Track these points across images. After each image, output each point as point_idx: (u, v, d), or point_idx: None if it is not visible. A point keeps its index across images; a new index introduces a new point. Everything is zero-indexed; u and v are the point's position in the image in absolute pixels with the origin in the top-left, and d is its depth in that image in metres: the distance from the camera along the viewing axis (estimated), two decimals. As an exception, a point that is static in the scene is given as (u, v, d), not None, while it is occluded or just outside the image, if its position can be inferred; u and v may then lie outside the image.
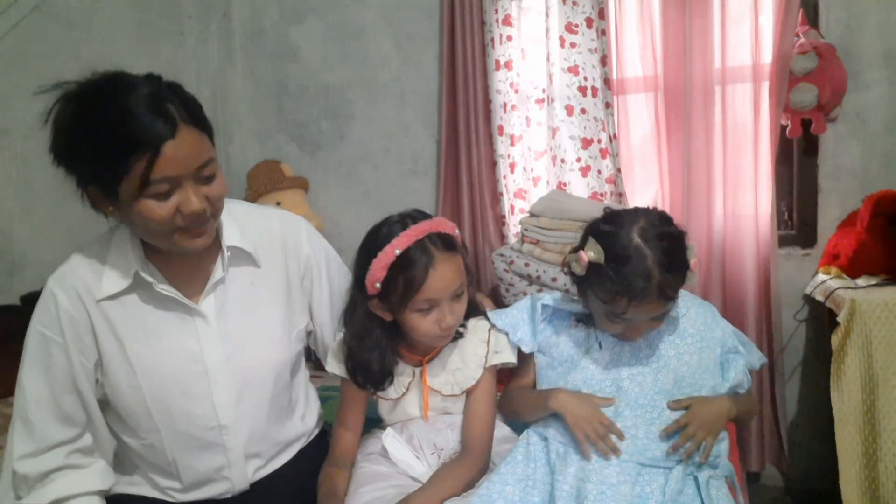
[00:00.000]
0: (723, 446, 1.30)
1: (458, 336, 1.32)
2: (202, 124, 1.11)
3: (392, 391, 1.33)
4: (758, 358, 1.41)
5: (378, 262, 1.19)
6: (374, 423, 1.45)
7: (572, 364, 1.35)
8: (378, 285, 1.20)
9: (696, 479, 1.22)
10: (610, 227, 1.25)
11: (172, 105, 1.06)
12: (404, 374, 1.33)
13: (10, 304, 2.10)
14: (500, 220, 2.63)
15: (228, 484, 1.28)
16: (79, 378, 1.17)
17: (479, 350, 1.32)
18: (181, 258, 1.20)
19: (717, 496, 1.21)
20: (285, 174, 2.80)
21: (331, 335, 1.41)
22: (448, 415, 1.35)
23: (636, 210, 1.29)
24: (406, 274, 1.18)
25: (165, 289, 1.18)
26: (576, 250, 1.29)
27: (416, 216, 1.23)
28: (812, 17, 2.31)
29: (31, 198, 2.18)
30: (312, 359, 1.56)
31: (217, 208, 1.15)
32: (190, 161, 1.07)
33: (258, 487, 1.33)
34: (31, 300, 2.12)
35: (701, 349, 1.34)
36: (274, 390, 1.30)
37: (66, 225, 2.28)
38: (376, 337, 1.27)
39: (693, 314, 1.38)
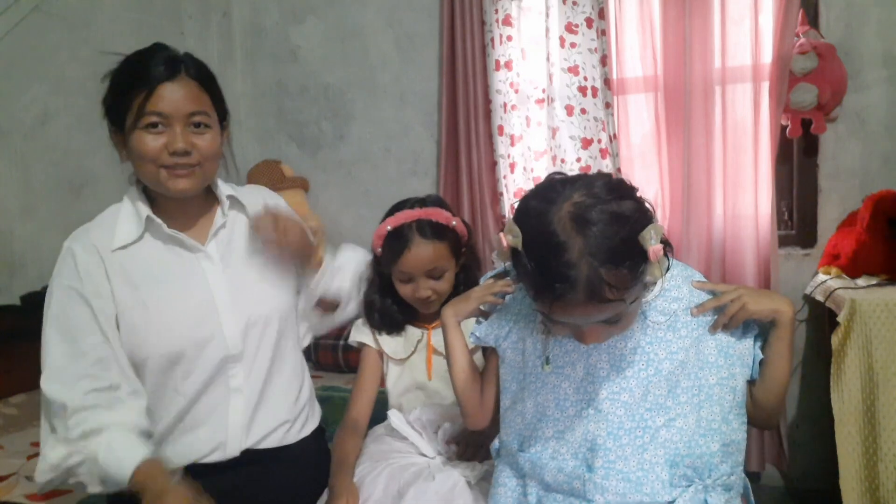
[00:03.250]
0: (737, 459, 1.07)
1: None
2: (207, 83, 1.26)
3: (402, 350, 1.47)
4: None
5: (377, 231, 1.45)
6: (376, 422, 1.50)
7: (538, 380, 1.10)
8: (378, 251, 1.45)
9: None
10: (538, 202, 0.97)
11: (185, 62, 1.23)
12: (413, 336, 1.48)
13: (10, 304, 2.11)
14: (500, 220, 2.63)
15: (223, 422, 1.30)
16: (101, 319, 1.23)
17: None
18: (184, 210, 1.32)
19: None
20: (285, 174, 2.80)
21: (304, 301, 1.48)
22: (455, 407, 1.39)
23: (579, 178, 0.99)
24: (390, 247, 1.41)
25: (173, 232, 1.29)
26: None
27: (426, 201, 1.45)
28: (812, 17, 2.31)
29: (31, 198, 2.18)
30: (313, 359, 1.58)
31: (206, 158, 1.26)
32: (181, 105, 1.21)
33: (251, 477, 1.34)
34: (31, 300, 2.14)
35: (698, 339, 1.06)
36: (276, 334, 1.37)
37: (66, 225, 2.27)
38: (398, 295, 1.46)
39: (686, 294, 1.08)
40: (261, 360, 1.35)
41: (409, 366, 1.48)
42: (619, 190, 0.95)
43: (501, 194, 2.60)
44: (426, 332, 1.47)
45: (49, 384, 1.21)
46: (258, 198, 1.43)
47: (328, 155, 2.94)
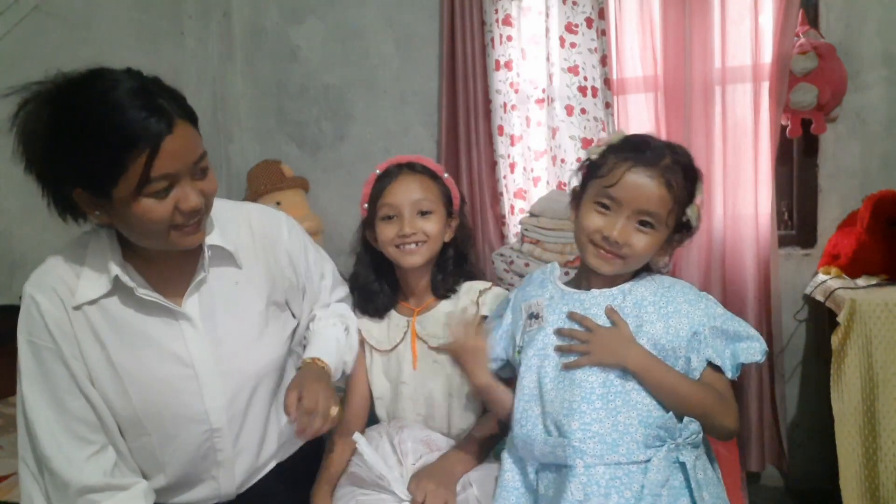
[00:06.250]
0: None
1: (451, 293, 1.41)
2: (192, 116, 1.08)
3: (386, 340, 1.42)
4: (749, 352, 1.16)
5: (366, 183, 1.42)
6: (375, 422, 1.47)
7: (524, 367, 1.21)
8: (366, 205, 1.41)
9: (682, 465, 1.08)
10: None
11: (163, 99, 1.03)
12: (399, 326, 1.42)
13: (10, 304, 2.10)
14: (500, 220, 2.63)
15: (214, 484, 1.25)
16: (81, 380, 1.12)
17: (469, 310, 1.38)
18: (162, 260, 1.17)
19: (704, 480, 1.09)
20: (285, 174, 2.80)
21: (306, 326, 1.41)
22: (445, 438, 1.37)
23: None
24: (378, 186, 1.40)
25: (147, 293, 1.13)
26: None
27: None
28: (812, 17, 2.31)
29: (31, 198, 2.17)
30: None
31: (210, 203, 1.13)
32: (188, 156, 1.05)
33: (246, 496, 1.30)
34: (31, 300, 2.14)
35: (668, 315, 1.15)
36: (265, 392, 1.28)
37: (66, 225, 2.28)
38: (383, 269, 1.44)
39: (654, 286, 1.19)
40: (252, 423, 1.25)
41: (395, 357, 1.41)
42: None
43: (501, 194, 2.60)
44: (411, 320, 1.41)
45: (49, 449, 1.10)
46: (253, 234, 1.28)
47: (328, 155, 2.94)
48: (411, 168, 1.40)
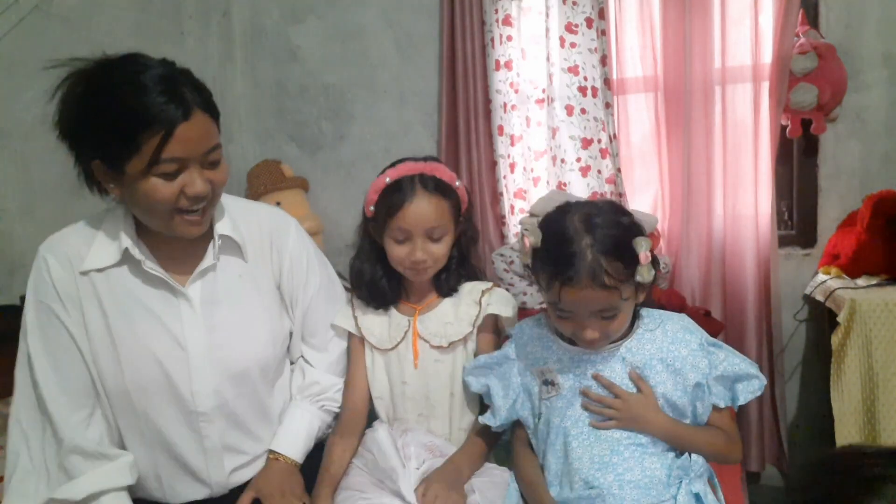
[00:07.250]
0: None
1: (452, 293, 1.41)
2: (213, 110, 1.15)
3: (387, 339, 1.40)
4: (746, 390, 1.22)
5: (373, 185, 1.35)
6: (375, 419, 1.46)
7: (556, 432, 1.23)
8: (372, 208, 1.35)
9: (697, 495, 1.16)
10: (556, 213, 1.20)
11: (187, 89, 1.10)
12: (400, 325, 1.40)
13: (10, 304, 2.11)
14: (500, 220, 2.63)
15: (204, 475, 1.26)
16: (80, 342, 1.18)
17: (471, 311, 1.38)
18: (172, 242, 1.22)
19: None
20: (285, 174, 2.80)
21: (298, 337, 1.41)
22: (449, 444, 1.36)
23: (590, 201, 1.22)
24: (389, 200, 1.31)
25: (153, 268, 1.19)
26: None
27: (426, 159, 1.37)
28: (812, 17, 2.31)
29: (31, 198, 2.18)
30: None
31: (217, 195, 1.19)
32: (199, 145, 1.11)
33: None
34: (31, 300, 2.14)
35: (676, 371, 1.20)
36: (256, 386, 1.30)
37: (66, 225, 2.28)
38: (387, 264, 1.39)
39: (660, 337, 1.23)
40: (242, 413, 1.27)
41: (396, 356, 1.39)
42: (618, 208, 1.23)
43: (501, 194, 2.60)
44: (412, 319, 1.39)
45: (50, 404, 1.15)
46: (261, 231, 1.32)
47: (328, 155, 2.94)
48: (425, 187, 1.31)
